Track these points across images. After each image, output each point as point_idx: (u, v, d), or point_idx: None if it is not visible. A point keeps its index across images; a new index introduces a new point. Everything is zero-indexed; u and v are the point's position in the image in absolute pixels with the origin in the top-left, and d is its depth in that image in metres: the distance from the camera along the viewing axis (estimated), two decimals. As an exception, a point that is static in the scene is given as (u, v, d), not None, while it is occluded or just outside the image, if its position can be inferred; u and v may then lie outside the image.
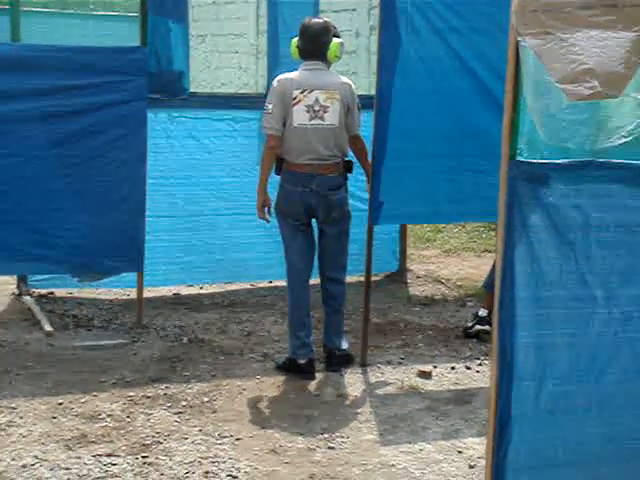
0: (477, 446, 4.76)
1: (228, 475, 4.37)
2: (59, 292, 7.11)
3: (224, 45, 14.51)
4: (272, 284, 7.70)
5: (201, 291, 7.52)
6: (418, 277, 8.12)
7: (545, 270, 3.50)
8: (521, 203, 3.46)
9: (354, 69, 11.55)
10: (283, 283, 7.15)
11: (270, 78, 7.42)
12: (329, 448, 4.72)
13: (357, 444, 4.78)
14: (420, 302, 7.38)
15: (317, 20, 5.71)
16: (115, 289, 7.19)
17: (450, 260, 8.82)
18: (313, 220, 5.72)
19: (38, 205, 6.19)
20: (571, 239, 3.52)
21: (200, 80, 13.13)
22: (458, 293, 7.66)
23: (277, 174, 5.64)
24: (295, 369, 5.67)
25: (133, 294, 6.74)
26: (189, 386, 5.46)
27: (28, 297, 6.97)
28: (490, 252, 9.01)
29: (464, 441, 4.83)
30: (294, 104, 5.49)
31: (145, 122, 6.35)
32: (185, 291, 7.49)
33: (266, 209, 5.67)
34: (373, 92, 5.84)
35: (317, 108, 5.50)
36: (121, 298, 7.16)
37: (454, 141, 5.92)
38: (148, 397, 5.27)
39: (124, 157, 6.30)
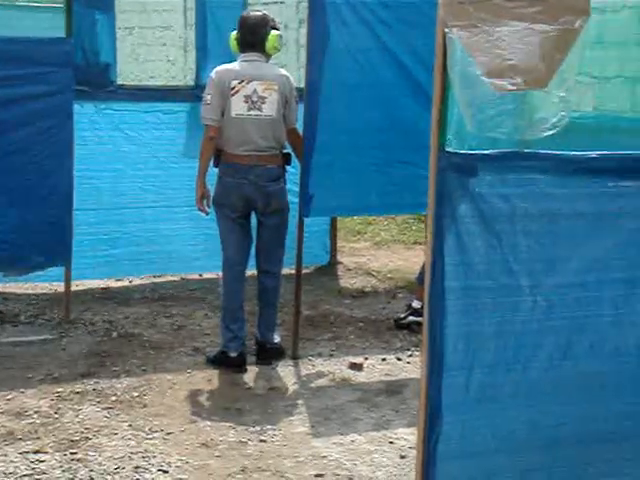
0: (408, 436, 4.78)
1: (159, 470, 4.33)
2: (-16, 287, 6.99)
3: (152, 37, 14.38)
4: (202, 277, 7.65)
5: (130, 285, 7.44)
6: (349, 269, 8.14)
7: (473, 260, 3.53)
8: (450, 194, 3.48)
9: (283, 62, 11.52)
10: (213, 276, 7.19)
11: (199, 71, 7.40)
12: (261, 441, 4.71)
13: (289, 436, 4.77)
14: (351, 294, 7.40)
15: (255, 12, 5.70)
16: (41, 283, 7.07)
17: (380, 252, 8.86)
18: (252, 214, 5.69)
19: (-37, 198, 6.08)
20: (497, 229, 3.55)
21: (128, 73, 12.98)
22: (389, 285, 7.70)
23: (215, 166, 5.61)
24: (226, 362, 5.65)
25: (60, 288, 6.65)
26: (119, 381, 5.41)
27: (-48, 293, 6.84)
28: (420, 244, 9.07)
29: (395, 432, 4.86)
30: (232, 94, 5.47)
31: (72, 114, 6.27)
32: (114, 285, 7.42)
33: (205, 201, 5.61)
34: (302, 85, 5.83)
35: (255, 99, 5.48)
36: (48, 293, 7.05)
37: (384, 133, 5.94)
38: (77, 393, 5.21)
39: (51, 150, 6.21)
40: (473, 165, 3.50)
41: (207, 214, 5.69)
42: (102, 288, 7.31)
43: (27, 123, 6.14)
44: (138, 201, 7.41)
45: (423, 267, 6.63)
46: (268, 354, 5.82)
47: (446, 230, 3.50)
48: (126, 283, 7.50)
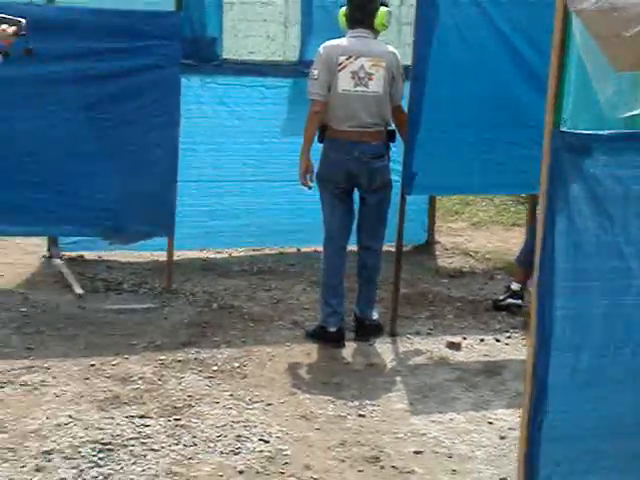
0: (507, 417, 4.77)
1: (260, 439, 4.39)
2: (89, 255, 7.13)
3: (252, 13, 14.45)
4: (300, 252, 7.69)
5: (229, 257, 7.53)
6: (446, 249, 8.10)
7: (584, 241, 3.49)
8: (563, 174, 3.45)
9: (384, 40, 11.49)
10: (310, 250, 7.24)
11: (303, 46, 7.42)
12: (359, 416, 4.73)
13: (387, 412, 4.79)
14: (448, 274, 7.37)
15: None
16: (144, 253, 7.19)
17: (478, 233, 8.80)
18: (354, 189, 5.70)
19: (69, 167, 6.20)
20: (610, 211, 3.50)
21: (229, 48, 13.09)
22: (486, 266, 7.64)
23: (320, 141, 5.62)
24: (325, 337, 5.68)
25: (162, 258, 6.76)
26: (219, 351, 5.48)
27: (58, 260, 7.00)
28: (519, 226, 8.97)
29: (494, 412, 4.84)
30: (339, 70, 5.48)
31: (178, 87, 6.34)
32: (213, 257, 7.51)
33: (308, 176, 5.64)
34: (407, 62, 5.81)
35: (362, 75, 5.48)
36: (149, 262, 7.16)
37: (489, 112, 5.88)
38: (179, 361, 5.30)
39: (157, 122, 6.29)
40: (587, 145, 3.46)
41: (310, 188, 5.72)
42: (202, 259, 7.40)
43: (135, 95, 6.23)
44: (238, 175, 7.47)
45: (523, 249, 6.64)
46: (367, 330, 5.84)
47: (558, 210, 3.47)
48: (225, 255, 7.59)
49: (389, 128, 5.71)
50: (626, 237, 3.54)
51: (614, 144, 3.47)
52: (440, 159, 5.82)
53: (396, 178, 5.92)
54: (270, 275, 7.08)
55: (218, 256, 7.56)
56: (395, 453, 4.34)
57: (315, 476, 4.08)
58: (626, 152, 3.50)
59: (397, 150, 6.01)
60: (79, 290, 6.37)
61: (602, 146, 3.46)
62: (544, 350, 3.52)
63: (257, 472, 4.09)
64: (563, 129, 3.44)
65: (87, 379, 4.98)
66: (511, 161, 5.96)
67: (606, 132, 3.46)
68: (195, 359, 5.34)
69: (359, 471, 4.15)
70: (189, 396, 4.84)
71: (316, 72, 5.52)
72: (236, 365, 5.29)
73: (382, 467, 4.20)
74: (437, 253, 7.99)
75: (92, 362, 5.20)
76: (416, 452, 4.36)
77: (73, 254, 7.10)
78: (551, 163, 3.45)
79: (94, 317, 5.94)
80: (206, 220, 7.43)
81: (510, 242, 8.39)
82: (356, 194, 5.78)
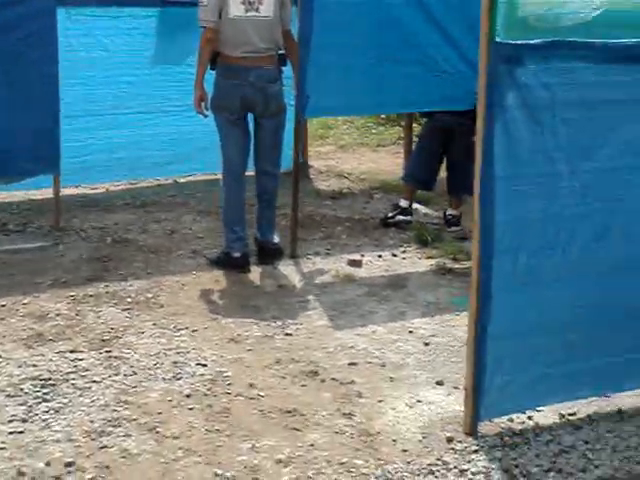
0: (425, 325, 4.96)
1: (197, 364, 4.43)
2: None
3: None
4: (178, 182, 7.67)
5: (107, 192, 7.42)
6: (321, 172, 8.23)
7: (519, 148, 3.66)
8: (498, 83, 3.59)
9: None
10: (187, 181, 7.25)
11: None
12: (286, 334, 4.83)
13: (312, 329, 4.90)
14: (329, 196, 7.50)
15: None
16: (20, 192, 7.00)
17: (347, 155, 8.95)
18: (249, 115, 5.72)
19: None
20: (540, 118, 3.68)
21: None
22: (363, 186, 7.81)
23: (212, 69, 5.58)
24: (230, 263, 5.72)
25: (40, 196, 6.64)
26: (129, 284, 5.45)
27: None
28: (384, 146, 9.21)
29: (412, 322, 5.02)
30: (229, -5, 5.45)
31: (54, 19, 6.16)
32: (91, 192, 7.40)
33: (203, 104, 5.61)
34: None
35: (252, 0, 5.46)
36: (29, 201, 6.99)
37: (377, 33, 5.98)
38: (91, 296, 5.24)
39: (35, 55, 6.11)
40: (520, 55, 3.61)
41: (206, 116, 5.69)
42: (81, 196, 7.27)
43: (11, 28, 6.01)
44: (110, 108, 7.35)
45: (408, 167, 6.83)
46: (269, 254, 5.91)
47: (495, 119, 3.62)
48: (102, 191, 7.48)
49: (280, 52, 5.72)
50: (555, 142, 3.72)
51: (542, 52, 3.63)
52: (331, 81, 5.90)
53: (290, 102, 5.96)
54: (155, 207, 7.04)
55: (95, 191, 7.44)
56: (331, 366, 4.46)
57: (262, 393, 4.16)
58: (553, 60, 3.67)
59: (289, 74, 6.03)
60: (-35, 233, 6.17)
61: (533, 54, 3.61)
62: (487, 255, 3.69)
63: (204, 394, 4.13)
64: (497, 39, 3.57)
65: (2, 319, 4.87)
66: (397, 80, 6.08)
67: (537, 41, 3.61)
68: (106, 293, 5.30)
69: (302, 385, 4.25)
70: (112, 328, 4.81)
71: (205, -1, 5.47)
72: (149, 296, 5.28)
73: (323, 380, 4.31)
74: (312, 176, 8.10)
75: (2, 303, 5.08)
76: (351, 364, 4.49)
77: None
78: (487, 73, 3.59)
79: (-13, 259, 5.78)
80: (80, 155, 7.28)
81: (380, 162, 8.60)
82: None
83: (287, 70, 5.89)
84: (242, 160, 5.73)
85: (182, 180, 7.71)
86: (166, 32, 7.44)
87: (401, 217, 6.63)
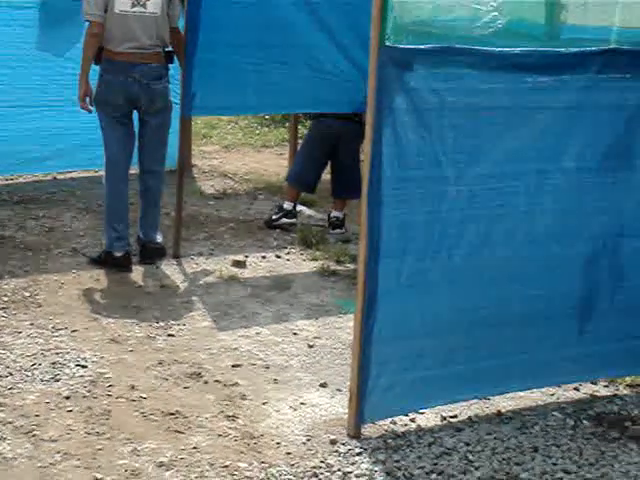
0: (309, 327, 4.95)
1: (77, 365, 4.32)
2: None
3: None
4: (57, 179, 7.50)
5: (-17, 188, 7.21)
6: (204, 172, 8.16)
7: (407, 151, 3.68)
8: (388, 87, 3.61)
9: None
10: (66, 177, 7.10)
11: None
12: (169, 336, 4.75)
13: (195, 331, 4.84)
14: (213, 196, 7.44)
15: None
16: None
17: (231, 155, 8.90)
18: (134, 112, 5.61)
19: None
20: (428, 122, 3.71)
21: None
22: (247, 187, 7.77)
23: (96, 64, 5.46)
24: (111, 262, 5.61)
25: None
26: (5, 282, 5.29)
27: None
28: (268, 147, 9.20)
29: (296, 324, 5.00)
30: (115, -11, 5.34)
31: None
32: (-35, 188, 7.18)
33: (87, 99, 5.48)
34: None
35: (139, -5, 5.37)
36: None
37: (262, 32, 5.94)
38: (-35, 295, 5.07)
39: None
40: (410, 59, 3.64)
41: (90, 112, 5.57)
42: (-46, 191, 7.05)
43: None
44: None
45: (292, 168, 6.82)
46: (151, 253, 5.82)
47: (384, 123, 3.63)
48: (-24, 186, 7.26)
49: (167, 49, 5.64)
50: (442, 147, 3.76)
51: (433, 57, 3.67)
52: (217, 80, 5.82)
53: (175, 101, 5.88)
54: (34, 204, 6.86)
55: (-30, 187, 7.21)
56: (214, 368, 4.40)
57: (143, 395, 4.08)
58: (442, 65, 3.71)
59: (176, 73, 5.96)
60: None
61: (422, 59, 3.65)
62: (373, 257, 3.70)
63: (84, 396, 4.03)
64: (388, 43, 3.59)
65: None
66: (284, 80, 6.06)
67: (426, 46, 3.64)
68: (-19, 291, 5.13)
69: (185, 387, 4.19)
70: (-13, 328, 4.66)
71: (90, -8, 5.35)
72: (27, 295, 5.13)
73: (206, 382, 4.25)
74: (195, 175, 8.03)
75: None
76: (234, 365, 4.45)
77: None
78: (377, 76, 3.60)
79: None
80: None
81: (264, 163, 8.58)
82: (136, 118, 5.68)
83: (173, 68, 5.81)
84: (125, 158, 5.63)
85: (62, 177, 7.53)
86: (47, 24, 7.26)
87: (285, 220, 6.62)
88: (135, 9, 5.40)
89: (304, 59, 6.13)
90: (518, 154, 3.90)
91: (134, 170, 5.79)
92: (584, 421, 4.03)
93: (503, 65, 3.79)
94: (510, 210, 3.94)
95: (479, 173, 3.85)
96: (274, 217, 6.66)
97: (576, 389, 4.32)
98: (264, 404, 4.06)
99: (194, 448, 3.66)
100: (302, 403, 4.09)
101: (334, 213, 6.67)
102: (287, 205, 6.66)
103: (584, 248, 4.05)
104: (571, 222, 3.99)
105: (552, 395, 4.25)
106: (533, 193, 3.95)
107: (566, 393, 4.28)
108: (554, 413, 4.09)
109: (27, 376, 4.18)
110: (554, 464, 3.68)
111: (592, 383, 4.36)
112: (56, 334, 4.65)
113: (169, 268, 5.74)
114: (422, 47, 3.64)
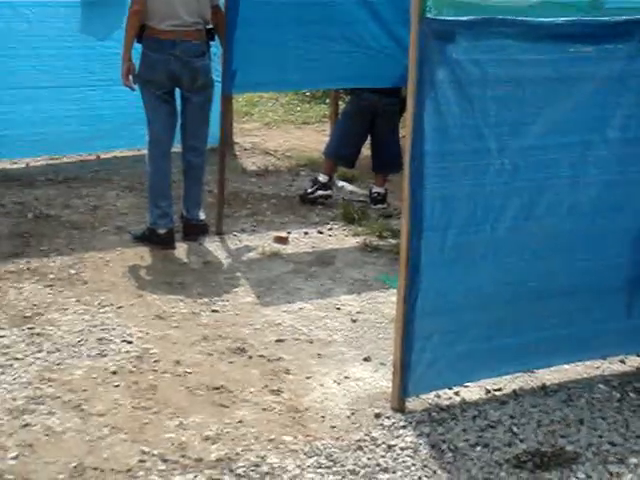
0: (352, 302, 4.95)
1: (123, 340, 4.37)
2: None
3: None
4: (100, 158, 7.54)
5: (28, 168, 7.27)
6: (246, 149, 8.16)
7: (449, 124, 3.66)
8: (430, 60, 3.58)
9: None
10: (110, 156, 7.14)
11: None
12: (213, 311, 4.78)
13: (238, 306, 4.86)
14: (255, 173, 7.45)
15: None
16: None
17: (272, 132, 8.89)
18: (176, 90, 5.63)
19: None
20: (470, 94, 3.68)
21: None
22: (289, 163, 7.77)
23: (138, 42, 5.48)
24: (155, 239, 5.64)
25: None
26: (51, 260, 5.34)
27: None
28: (309, 124, 9.18)
29: (339, 299, 5.01)
30: (157, -32, 5.35)
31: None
32: (10, 167, 7.23)
33: (131, 77, 5.50)
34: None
35: (181, -26, 5.38)
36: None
37: (301, 8, 5.92)
38: (12, 272, 5.13)
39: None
40: (452, 31, 3.61)
41: (134, 90, 5.59)
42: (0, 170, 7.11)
43: None
44: (32, 81, 7.19)
45: (329, 142, 6.81)
46: (194, 230, 5.85)
47: (426, 96, 3.61)
48: (23, 166, 7.32)
49: (208, 27, 5.65)
50: (484, 119, 3.74)
51: (473, 29, 3.64)
52: (258, 57, 5.82)
53: (217, 78, 5.89)
54: (78, 183, 6.91)
55: (15, 166, 7.28)
56: (258, 343, 4.43)
57: (188, 370, 4.11)
58: (483, 37, 3.68)
59: (217, 50, 5.97)
60: None
61: (464, 31, 3.62)
62: (416, 231, 3.69)
63: (130, 371, 4.07)
64: (429, 16, 3.56)
65: None
66: (325, 56, 6.04)
67: (468, 17, 3.61)
68: (28, 269, 5.19)
69: (230, 362, 4.22)
70: (35, 305, 4.72)
71: (134, -30, 5.37)
72: (72, 272, 5.18)
73: (250, 357, 4.28)
74: (237, 153, 8.04)
75: None
76: (278, 340, 4.47)
77: None
78: (418, 49, 3.57)
79: None
80: (0, 129, 7.12)
81: (305, 140, 8.57)
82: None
83: (215, 46, 5.82)
84: (169, 135, 5.66)
85: (105, 156, 7.58)
86: (91, 3, 7.29)
87: (320, 192, 6.61)
88: (177, -14, 5.41)
89: (344, 34, 6.11)
90: (561, 125, 3.86)
91: (177, 148, 5.79)
92: (630, 394, 4.01)
93: (546, 35, 3.75)
94: (554, 182, 3.91)
95: (522, 145, 3.82)
96: (309, 190, 6.66)
97: (622, 362, 4.29)
98: (308, 378, 4.08)
99: (239, 422, 3.69)
100: (346, 377, 4.10)
101: (375, 189, 6.66)
102: (322, 178, 6.66)
103: (632, 219, 4.01)
104: (616, 193, 3.95)
105: (597, 368, 4.23)
106: (577, 165, 3.92)
107: (612, 366, 4.26)
108: (600, 386, 4.07)
109: (74, 352, 4.23)
110: (600, 436, 3.67)
111: (638, 356, 4.32)
112: (102, 310, 4.69)
113: (212, 245, 5.76)
114: (464, 19, 3.61)
